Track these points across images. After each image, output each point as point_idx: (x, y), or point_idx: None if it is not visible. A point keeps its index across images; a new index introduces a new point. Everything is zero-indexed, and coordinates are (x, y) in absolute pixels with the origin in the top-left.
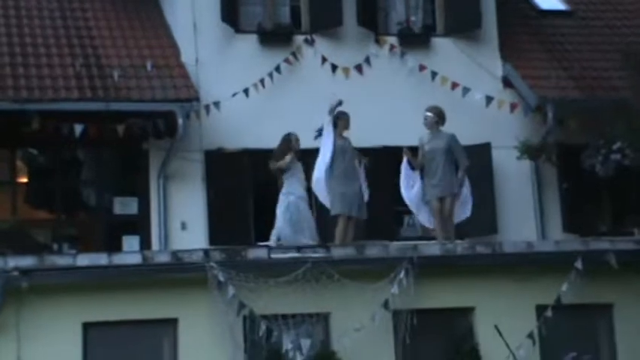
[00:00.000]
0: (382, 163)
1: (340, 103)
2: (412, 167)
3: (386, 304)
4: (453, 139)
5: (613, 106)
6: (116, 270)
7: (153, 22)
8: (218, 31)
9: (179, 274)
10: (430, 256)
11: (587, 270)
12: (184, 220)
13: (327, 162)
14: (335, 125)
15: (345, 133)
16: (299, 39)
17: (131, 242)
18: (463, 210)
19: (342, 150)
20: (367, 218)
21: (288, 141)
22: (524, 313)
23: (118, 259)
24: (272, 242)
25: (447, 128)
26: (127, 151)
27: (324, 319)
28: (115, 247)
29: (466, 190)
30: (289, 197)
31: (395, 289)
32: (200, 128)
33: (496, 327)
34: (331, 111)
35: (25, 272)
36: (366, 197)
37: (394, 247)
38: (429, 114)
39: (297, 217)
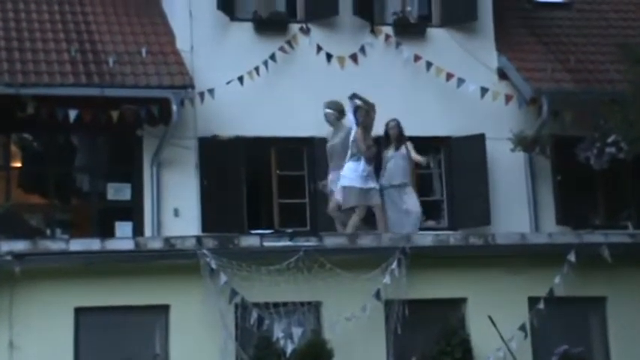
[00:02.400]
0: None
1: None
2: None
3: (378, 294)
4: (349, 132)
5: (608, 98)
6: (109, 256)
7: (149, 8)
8: (213, 19)
9: (171, 261)
10: (423, 246)
11: (581, 263)
12: (177, 206)
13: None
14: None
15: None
16: (294, 27)
17: (124, 228)
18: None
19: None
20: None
21: None
22: (516, 304)
23: (111, 244)
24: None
25: (441, 119)
26: (120, 137)
27: (315, 308)
28: (108, 232)
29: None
30: None
31: (387, 279)
32: (194, 115)
33: (490, 318)
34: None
35: (18, 256)
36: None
37: (387, 237)
38: (328, 110)
39: None
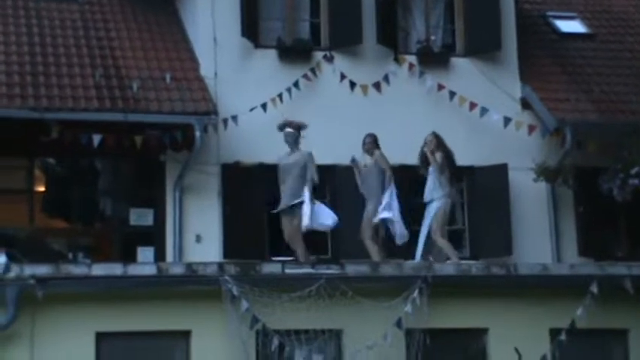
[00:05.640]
0: (398, 181)
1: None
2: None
3: (399, 323)
4: (307, 156)
5: (632, 129)
6: (131, 281)
7: (173, 34)
8: (238, 46)
9: (193, 287)
10: (444, 275)
11: (603, 294)
12: (199, 232)
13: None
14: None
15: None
16: (318, 55)
17: (146, 253)
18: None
19: None
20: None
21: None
22: (537, 336)
23: (133, 269)
24: None
25: (464, 148)
26: (144, 163)
27: (336, 335)
28: (130, 257)
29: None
30: None
31: (408, 308)
32: (217, 142)
33: (516, 349)
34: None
35: (40, 281)
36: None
37: (408, 265)
38: (290, 130)
39: None
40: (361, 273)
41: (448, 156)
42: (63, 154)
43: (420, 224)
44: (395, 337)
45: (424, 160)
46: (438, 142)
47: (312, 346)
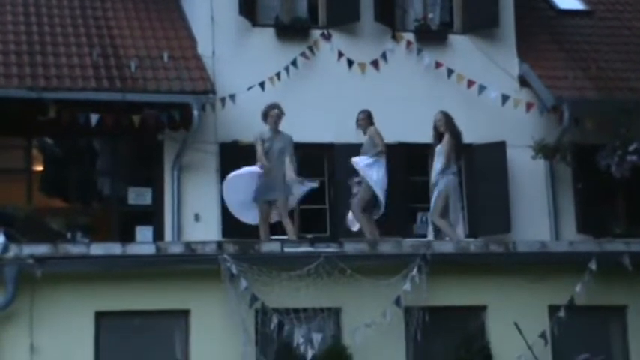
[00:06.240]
0: (397, 159)
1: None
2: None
3: (398, 301)
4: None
5: (630, 106)
6: (129, 260)
7: (170, 13)
8: (235, 24)
9: (192, 266)
10: (443, 253)
11: (601, 271)
12: (198, 211)
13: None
14: None
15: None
16: (316, 33)
17: (144, 233)
18: None
19: None
20: (382, 214)
21: None
22: (536, 312)
23: (132, 249)
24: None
25: (462, 126)
26: (142, 142)
27: (335, 313)
28: (129, 237)
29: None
30: None
31: (407, 286)
32: (215, 120)
33: (516, 324)
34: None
35: (39, 260)
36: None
37: (407, 243)
38: (276, 111)
39: None
40: (360, 251)
41: (456, 136)
42: (61, 133)
43: (417, 202)
44: (394, 315)
45: (437, 139)
46: (447, 122)
47: (311, 324)
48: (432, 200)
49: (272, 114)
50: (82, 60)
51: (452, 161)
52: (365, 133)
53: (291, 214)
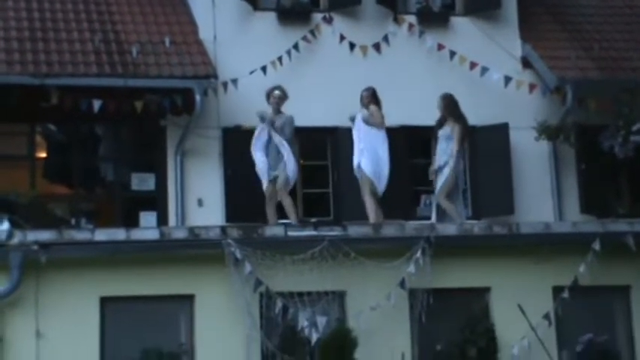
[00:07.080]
0: (399, 142)
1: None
2: None
3: (402, 283)
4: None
5: (633, 86)
6: (134, 245)
7: None
8: (236, 9)
9: (196, 251)
10: (447, 235)
11: (605, 252)
12: (201, 196)
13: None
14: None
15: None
16: (317, 17)
17: (148, 218)
18: None
19: None
20: (385, 197)
21: None
22: (540, 293)
23: (136, 234)
24: None
25: (465, 108)
26: (144, 127)
27: (340, 297)
28: (132, 222)
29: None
30: None
31: (411, 269)
32: (217, 105)
33: (520, 306)
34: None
35: (43, 246)
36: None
37: (411, 226)
38: (278, 92)
39: None
40: (364, 234)
41: (462, 120)
42: (63, 119)
43: (420, 184)
44: (398, 298)
45: (441, 123)
46: (452, 105)
47: (316, 307)
48: (440, 181)
49: (274, 95)
50: (83, 46)
51: (457, 145)
52: (368, 110)
53: (294, 197)
